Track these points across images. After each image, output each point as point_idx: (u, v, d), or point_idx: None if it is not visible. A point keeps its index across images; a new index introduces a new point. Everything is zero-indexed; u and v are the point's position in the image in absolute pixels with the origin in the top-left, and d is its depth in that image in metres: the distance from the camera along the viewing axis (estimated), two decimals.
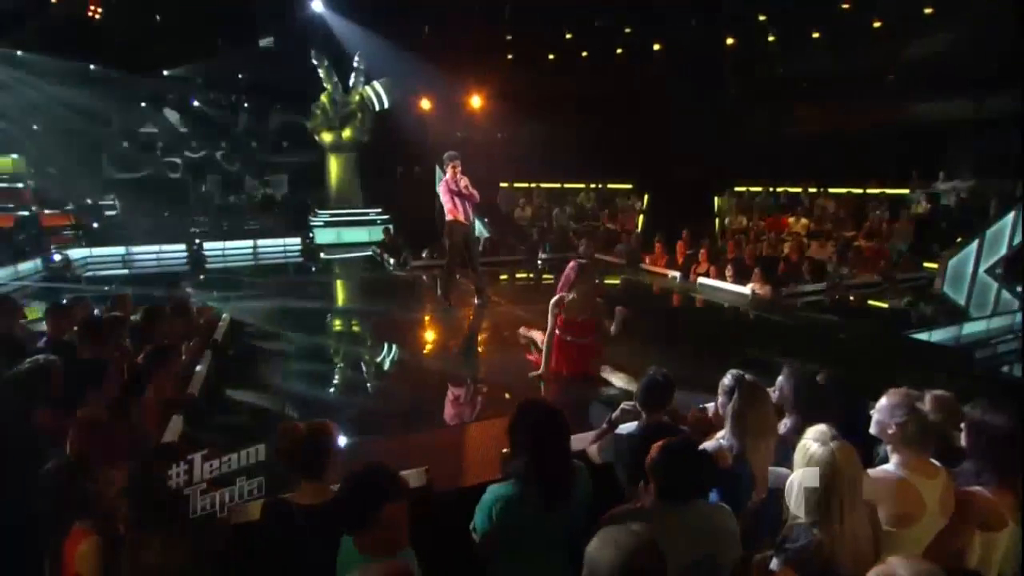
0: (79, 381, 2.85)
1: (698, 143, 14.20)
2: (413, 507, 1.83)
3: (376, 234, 13.11)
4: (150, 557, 1.91)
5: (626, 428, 2.64)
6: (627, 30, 14.42)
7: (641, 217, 12.75)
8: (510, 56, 15.09)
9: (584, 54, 15.25)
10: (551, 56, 15.21)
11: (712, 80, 14.84)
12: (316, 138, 14.25)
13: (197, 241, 10.82)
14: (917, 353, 5.21)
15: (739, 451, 2.36)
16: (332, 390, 4.34)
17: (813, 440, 1.89)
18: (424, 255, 9.50)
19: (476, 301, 6.52)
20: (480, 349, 5.57)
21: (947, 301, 8.06)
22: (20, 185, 12.36)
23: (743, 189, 13.00)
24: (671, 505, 1.86)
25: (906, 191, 11.67)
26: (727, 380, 2.56)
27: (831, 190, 12.32)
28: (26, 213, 11.89)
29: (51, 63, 11.75)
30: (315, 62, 13.51)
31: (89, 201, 12.30)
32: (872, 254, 9.55)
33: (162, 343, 3.87)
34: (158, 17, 12.25)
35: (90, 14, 11.41)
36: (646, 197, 13.51)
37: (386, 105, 14.44)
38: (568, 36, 14.55)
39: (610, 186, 14.18)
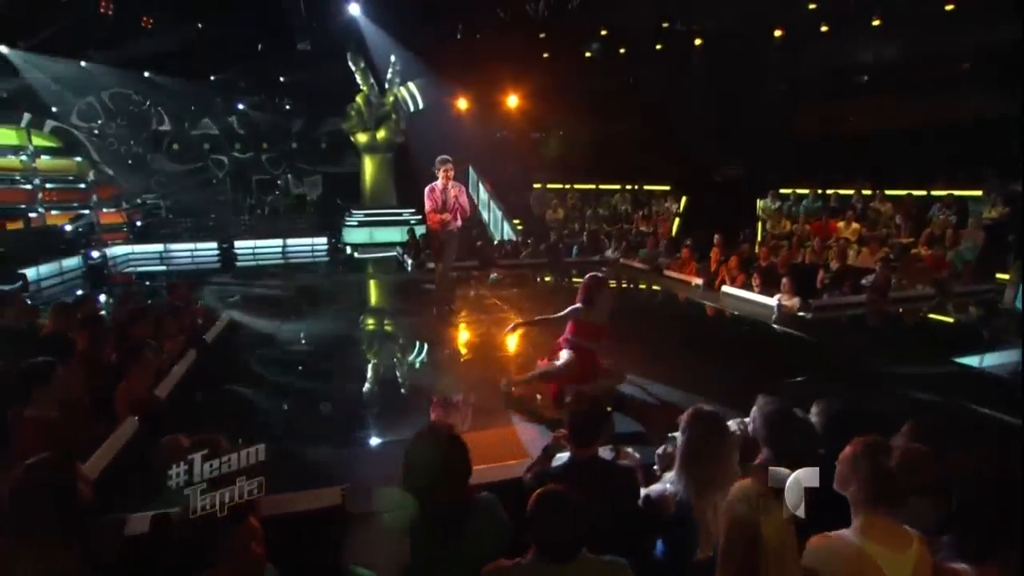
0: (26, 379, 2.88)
1: (742, 142, 13.48)
2: (325, 526, 1.74)
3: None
4: (27, 567, 1.86)
5: (560, 459, 2.39)
6: (664, 24, 13.81)
7: (677, 220, 12.19)
8: (545, 55, 14.82)
9: (622, 51, 14.75)
10: (587, 53, 14.82)
11: (758, 74, 14.01)
12: (351, 139, 14.60)
13: (228, 240, 11.22)
14: (959, 383, 4.54)
15: (684, 498, 2.08)
16: (293, 400, 4.21)
17: (738, 500, 1.60)
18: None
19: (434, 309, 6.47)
20: (457, 360, 5.22)
21: (1017, 318, 7.14)
22: (82, 185, 13.37)
23: (788, 191, 12.15)
24: (549, 563, 1.62)
25: (978, 193, 10.53)
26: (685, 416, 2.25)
27: (889, 192, 11.31)
28: (86, 211, 12.86)
29: (110, 72, 12.60)
30: (351, 64, 13.84)
31: (139, 201, 13.05)
32: (931, 263, 8.66)
33: (138, 343, 3.93)
34: (200, 25, 12.78)
35: (143, 24, 12.06)
36: (683, 199, 12.92)
37: (420, 106, 14.60)
38: (603, 32, 14.10)
39: (646, 187, 13.63)
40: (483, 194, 14.20)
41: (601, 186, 14.14)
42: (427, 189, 6.05)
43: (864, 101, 13.46)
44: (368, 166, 14.88)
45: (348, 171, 15.36)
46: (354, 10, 13.56)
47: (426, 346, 5.57)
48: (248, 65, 14.42)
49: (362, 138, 14.49)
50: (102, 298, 7.34)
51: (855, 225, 10.63)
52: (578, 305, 4.06)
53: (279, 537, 2.01)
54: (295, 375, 4.70)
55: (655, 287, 8.27)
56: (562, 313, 4.11)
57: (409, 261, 9.76)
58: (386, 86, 14.33)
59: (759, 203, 12.34)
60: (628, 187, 13.68)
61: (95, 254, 8.98)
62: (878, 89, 13.14)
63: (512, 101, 14.87)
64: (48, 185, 12.73)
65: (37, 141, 12.75)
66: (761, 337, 5.85)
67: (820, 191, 12.00)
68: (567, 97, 14.30)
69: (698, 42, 14.12)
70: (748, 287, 6.79)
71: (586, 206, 13.73)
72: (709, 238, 9.13)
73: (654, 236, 9.72)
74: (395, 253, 11.95)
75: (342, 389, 4.33)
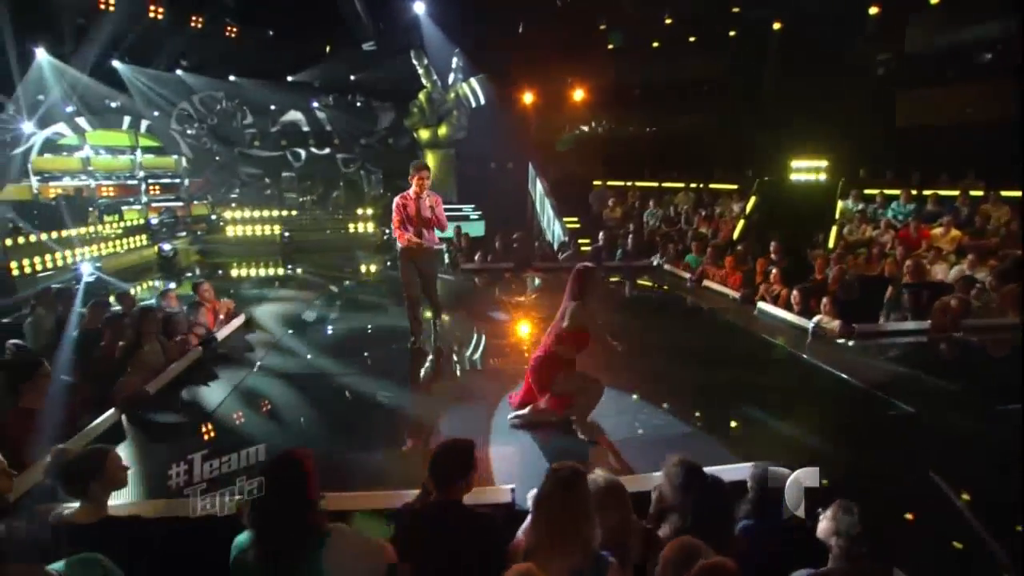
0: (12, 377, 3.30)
1: (828, 136, 12.25)
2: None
3: (467, 229, 13.53)
4: None
5: None
6: (735, 9, 12.75)
7: (741, 223, 11.35)
8: (610, 46, 14.33)
9: (692, 39, 13.87)
10: (655, 44, 14.11)
11: (848, 60, 12.59)
12: (414, 135, 15.08)
13: (287, 231, 12.14)
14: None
15: (530, 549, 1.98)
16: (271, 405, 4.29)
17: None
18: (476, 258, 9.48)
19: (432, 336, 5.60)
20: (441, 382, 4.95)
21: None
22: (177, 180, 15.04)
23: (875, 192, 10.87)
24: None
25: None
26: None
27: (1005, 193, 9.76)
28: (180, 203, 14.48)
29: (200, 79, 14.01)
30: (415, 62, 14.27)
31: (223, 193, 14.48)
32: None
33: (138, 341, 4.36)
34: (271, 32, 13.76)
35: (228, 34, 13.23)
36: (752, 200, 12.01)
37: (482, 102, 14.76)
38: (668, 21, 13.33)
39: (711, 186, 12.83)
40: (540, 192, 14.12)
41: (664, 184, 13.52)
42: (397, 200, 5.14)
43: (975, 86, 11.67)
44: (430, 161, 15.22)
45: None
46: (418, 8, 13.93)
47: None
48: (323, 66, 15.33)
49: (424, 134, 14.91)
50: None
51: (954, 232, 9.30)
52: (574, 304, 3.55)
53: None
54: (280, 380, 4.77)
55: (685, 296, 7.72)
56: (566, 324, 3.56)
57: (446, 260, 9.95)
58: (449, 82, 14.63)
59: (839, 204, 11.20)
60: (692, 185, 12.98)
61: (167, 247, 10.10)
62: (993, 72, 11.34)
63: (575, 96, 14.58)
64: (151, 180, 14.52)
65: (143, 142, 14.52)
66: (767, 366, 5.16)
67: (915, 192, 10.63)
68: (631, 90, 13.76)
69: (777, 26, 12.94)
70: (788, 304, 6.16)
71: (647, 205, 13.19)
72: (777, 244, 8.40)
73: (701, 241, 9.09)
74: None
75: (317, 398, 4.41)
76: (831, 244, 10.06)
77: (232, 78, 14.68)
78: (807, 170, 13.10)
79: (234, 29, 13.45)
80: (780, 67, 13.23)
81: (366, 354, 5.47)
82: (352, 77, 15.89)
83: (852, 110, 12.56)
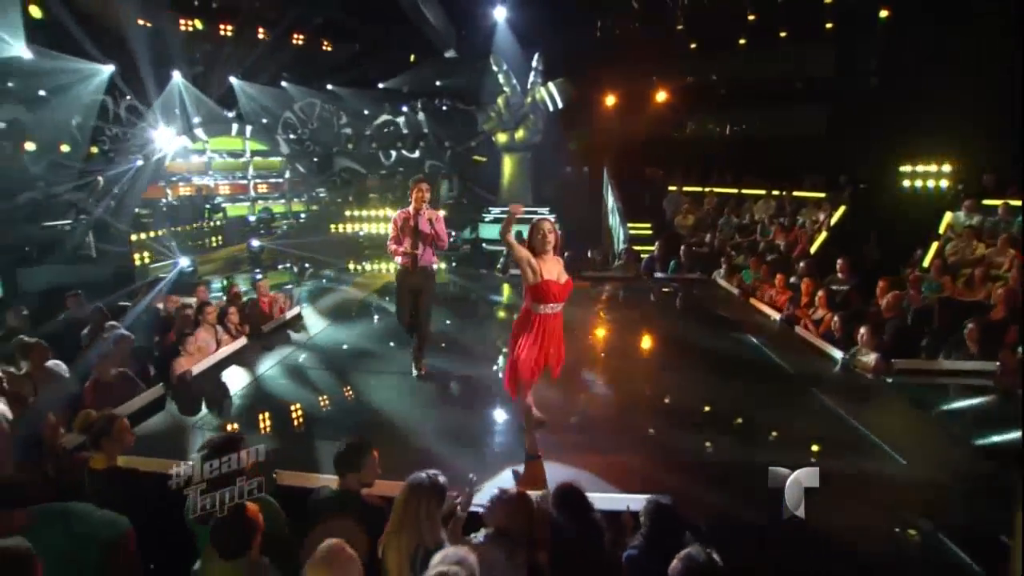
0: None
1: (950, 139, 10.98)
2: None
3: None
4: None
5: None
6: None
7: (823, 235, 10.57)
8: (693, 45, 13.86)
9: (783, 34, 12.97)
10: (742, 41, 13.38)
11: (973, 51, 11.09)
12: (492, 139, 15.69)
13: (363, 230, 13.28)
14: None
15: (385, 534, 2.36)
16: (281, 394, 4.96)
17: None
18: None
19: (412, 369, 5.24)
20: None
21: None
22: (281, 180, 16.98)
23: (998, 203, 9.57)
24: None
25: None
26: None
27: None
28: (281, 200, 16.39)
29: (301, 90, 15.70)
30: (494, 67, 14.84)
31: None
32: None
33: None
34: (357, 46, 15.02)
35: (324, 47, 14.70)
36: (841, 210, 11.11)
37: (560, 106, 15.00)
38: (752, 17, 12.58)
39: (796, 194, 12.00)
40: (612, 196, 14.08)
41: (744, 190, 12.86)
42: (396, 216, 5.03)
43: None
44: (507, 164, 15.83)
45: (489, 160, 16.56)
46: (499, 15, 14.47)
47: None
48: (411, 73, 16.45)
49: (502, 138, 15.47)
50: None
51: None
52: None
53: None
54: (299, 371, 5.50)
55: (721, 313, 7.36)
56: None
57: (499, 263, 10.35)
58: (528, 86, 15.03)
59: (947, 216, 10.03)
60: (775, 193, 12.23)
61: (255, 243, 11.55)
62: None
63: (656, 96, 14.31)
64: (258, 179, 16.55)
65: (252, 145, 16.53)
66: (758, 400, 4.77)
67: None
68: (715, 90, 13.24)
69: (884, 14, 11.69)
70: (830, 334, 5.76)
71: (725, 212, 12.64)
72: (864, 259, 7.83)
73: (758, 256, 8.60)
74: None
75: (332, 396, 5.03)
76: (926, 263, 9.10)
77: (329, 87, 16.21)
78: (921, 176, 11.87)
79: (329, 44, 14.88)
80: (888, 60, 11.99)
81: (383, 350, 6.01)
82: (438, 83, 16.85)
83: (978, 109, 11.11)
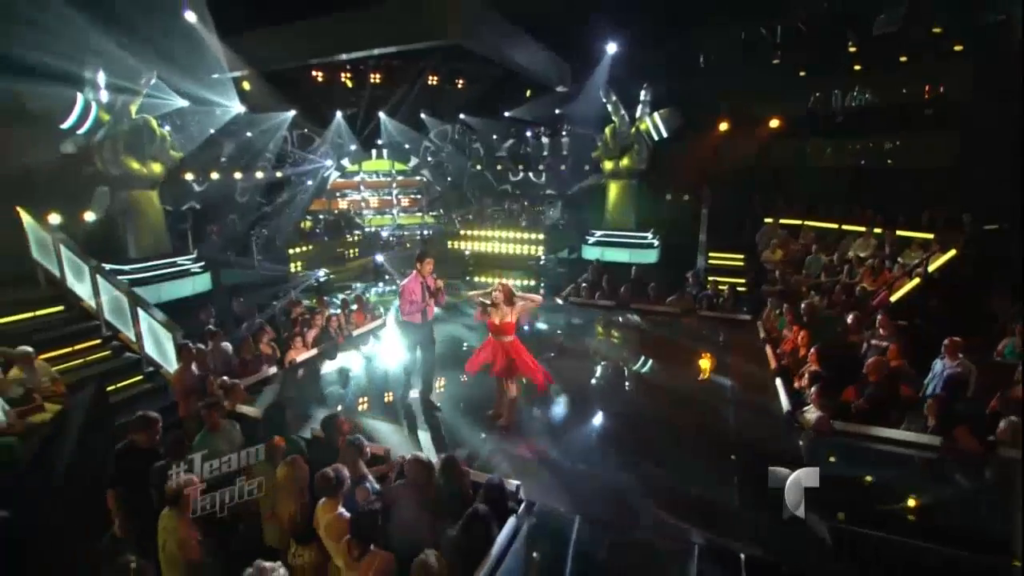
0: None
1: None
2: None
3: (639, 256, 15.29)
4: None
5: None
6: (935, 31, 10.85)
7: (913, 282, 10.29)
8: (802, 73, 13.85)
9: (902, 59, 12.37)
10: (856, 67, 13.03)
11: None
12: (600, 166, 17.14)
13: (469, 248, 15.69)
14: None
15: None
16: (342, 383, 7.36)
17: None
18: (583, 293, 11.17)
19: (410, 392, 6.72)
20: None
21: None
22: (419, 196, 20.36)
23: None
24: None
25: None
26: None
27: None
28: (419, 214, 19.70)
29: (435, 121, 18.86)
30: (604, 99, 16.28)
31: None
32: None
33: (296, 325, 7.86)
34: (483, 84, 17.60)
35: (458, 86, 17.58)
36: (950, 253, 10.62)
37: (664, 135, 15.93)
38: (852, 49, 12.21)
39: (902, 233, 11.59)
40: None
41: (845, 226, 12.68)
42: (405, 282, 6.35)
43: None
44: (612, 191, 17.17)
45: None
46: (610, 49, 15.91)
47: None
48: (532, 103, 18.65)
49: (608, 165, 16.84)
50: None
51: None
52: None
53: None
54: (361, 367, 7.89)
55: (719, 355, 8.11)
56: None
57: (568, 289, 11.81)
58: (636, 116, 16.23)
59: None
60: (877, 231, 11.94)
61: (379, 258, 14.57)
62: None
63: (769, 124, 14.56)
64: (399, 195, 20.10)
65: (398, 166, 20.10)
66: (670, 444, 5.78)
67: None
68: (827, 118, 13.21)
69: None
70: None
71: (821, 249, 12.61)
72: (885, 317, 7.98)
73: (810, 305, 8.79)
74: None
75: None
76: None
77: (461, 116, 19.10)
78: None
79: (461, 82, 17.72)
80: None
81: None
82: (557, 111, 18.80)
83: None
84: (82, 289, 8.46)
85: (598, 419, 6.38)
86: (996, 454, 5.20)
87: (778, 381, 6.71)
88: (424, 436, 5.85)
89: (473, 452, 5.52)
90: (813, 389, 5.96)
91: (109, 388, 6.99)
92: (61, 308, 8.45)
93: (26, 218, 8.86)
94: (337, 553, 3.70)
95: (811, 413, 5.89)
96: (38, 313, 8.15)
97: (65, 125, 9.40)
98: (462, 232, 16.59)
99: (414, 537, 3.75)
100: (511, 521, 4.08)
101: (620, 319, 10.25)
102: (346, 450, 4.29)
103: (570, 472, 5.20)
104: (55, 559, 4.28)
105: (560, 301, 11.32)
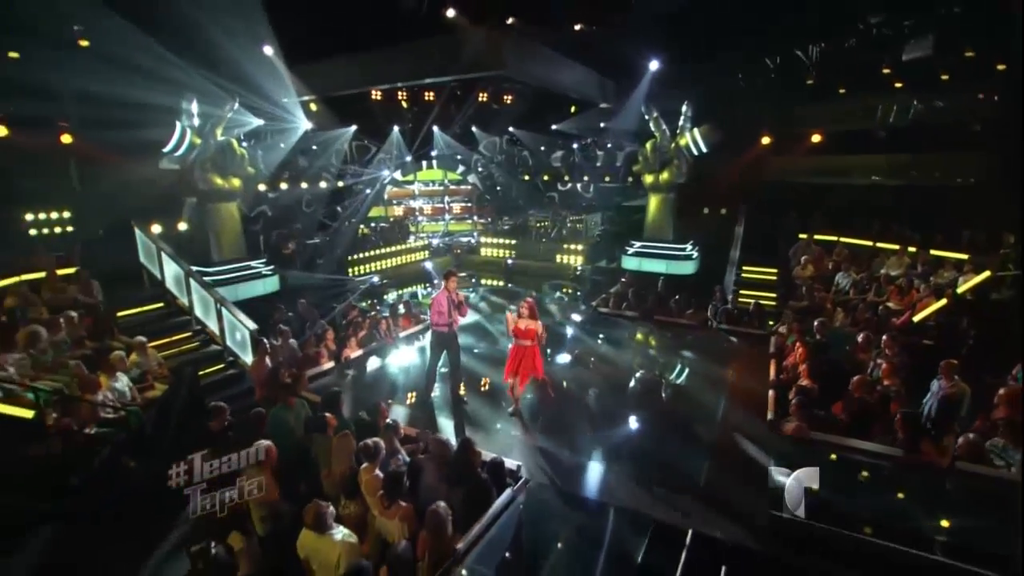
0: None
1: None
2: None
3: (676, 267, 16.12)
4: None
5: None
6: (970, 54, 10.92)
7: (939, 303, 10.59)
8: (842, 90, 14.17)
9: (944, 77, 12.51)
10: (898, 84, 13.24)
11: None
12: (640, 179, 17.95)
13: (511, 257, 16.89)
14: None
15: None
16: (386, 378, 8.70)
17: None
18: (611, 303, 12.10)
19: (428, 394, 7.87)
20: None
21: None
22: (470, 204, 21.80)
23: None
24: None
25: None
26: None
27: None
28: (469, 221, 21.16)
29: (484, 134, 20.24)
30: (645, 114, 17.10)
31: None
32: None
33: (351, 324, 9.31)
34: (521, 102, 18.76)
35: (507, 101, 18.89)
36: (984, 275, 10.86)
37: (703, 150, 16.57)
38: (886, 71, 12.45)
39: (935, 252, 11.85)
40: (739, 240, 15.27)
41: (880, 244, 12.99)
42: (438, 295, 7.50)
43: None
44: (651, 203, 17.94)
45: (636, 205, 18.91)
46: (653, 66, 16.73)
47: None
48: (578, 117, 19.70)
49: (648, 179, 17.63)
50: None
51: None
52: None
53: None
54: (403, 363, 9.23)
55: (729, 372, 8.87)
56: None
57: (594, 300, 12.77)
58: (676, 130, 16.97)
59: None
60: (911, 249, 12.24)
61: (428, 265, 16.00)
62: None
63: (801, 141, 15.00)
64: (451, 203, 21.62)
65: (451, 176, 21.61)
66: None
67: None
68: (863, 134, 13.57)
69: None
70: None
71: (852, 267, 12.97)
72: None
73: (822, 323, 9.30)
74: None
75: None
76: None
77: (511, 129, 20.40)
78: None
79: (509, 98, 19.01)
80: None
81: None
82: (602, 124, 19.75)
83: None
84: (177, 289, 10.26)
85: (596, 418, 7.41)
86: (954, 467, 5.88)
87: (770, 392, 7.50)
88: (447, 422, 7.10)
89: (486, 436, 6.74)
90: (794, 401, 6.74)
91: (200, 373, 8.62)
92: (161, 304, 10.28)
93: (136, 229, 10.81)
94: (373, 504, 4.95)
95: (791, 423, 6.67)
96: (144, 308, 9.99)
97: (166, 149, 11.26)
98: (503, 241, 17.84)
99: (432, 497, 4.95)
100: (507, 491, 5.22)
101: (638, 330, 11.21)
102: (385, 431, 5.57)
103: (567, 459, 6.35)
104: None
105: (583, 307, 12.37)
